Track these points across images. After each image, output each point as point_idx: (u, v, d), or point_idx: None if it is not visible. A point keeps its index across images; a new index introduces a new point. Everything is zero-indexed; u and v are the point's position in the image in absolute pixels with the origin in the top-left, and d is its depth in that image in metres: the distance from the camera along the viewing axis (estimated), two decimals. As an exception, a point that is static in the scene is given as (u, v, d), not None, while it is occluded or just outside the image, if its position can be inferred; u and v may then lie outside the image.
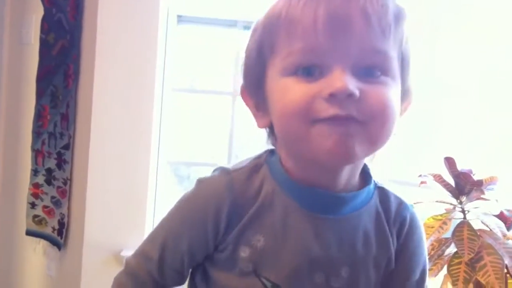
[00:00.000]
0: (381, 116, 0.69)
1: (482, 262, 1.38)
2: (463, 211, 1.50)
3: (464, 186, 1.49)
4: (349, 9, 0.68)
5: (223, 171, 0.80)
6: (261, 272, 0.76)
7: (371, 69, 0.70)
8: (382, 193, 0.81)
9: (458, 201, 1.51)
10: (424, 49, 1.96)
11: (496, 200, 1.46)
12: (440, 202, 1.53)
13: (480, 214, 1.46)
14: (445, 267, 1.44)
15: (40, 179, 2.29)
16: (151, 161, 2.16)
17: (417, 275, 0.82)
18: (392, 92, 0.70)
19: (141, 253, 0.85)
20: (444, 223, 1.44)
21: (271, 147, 0.83)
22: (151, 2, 2.10)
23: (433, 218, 1.47)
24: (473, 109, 1.81)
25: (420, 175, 1.55)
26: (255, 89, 0.78)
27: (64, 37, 2.17)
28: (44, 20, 2.24)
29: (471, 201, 1.48)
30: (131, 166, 2.14)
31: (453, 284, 1.41)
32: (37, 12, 2.27)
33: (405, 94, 0.75)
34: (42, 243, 2.32)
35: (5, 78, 2.52)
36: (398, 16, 0.71)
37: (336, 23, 0.68)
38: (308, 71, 0.70)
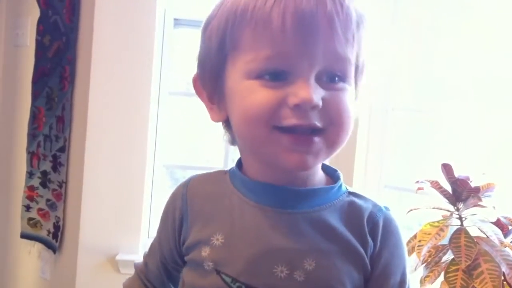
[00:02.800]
0: (339, 122, 0.73)
1: (479, 270, 1.38)
2: (460, 218, 1.50)
3: (461, 192, 1.48)
4: (317, 15, 0.69)
5: (191, 176, 0.88)
6: (221, 269, 0.78)
7: (333, 75, 0.73)
8: (353, 196, 0.82)
9: (455, 207, 1.51)
10: (423, 52, 1.96)
11: (493, 207, 1.46)
12: (437, 208, 1.52)
13: (477, 221, 1.46)
14: (442, 274, 1.44)
15: (35, 181, 2.28)
16: (147, 164, 2.15)
17: (397, 278, 0.81)
18: (349, 97, 0.74)
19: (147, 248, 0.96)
20: (441, 229, 1.43)
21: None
22: (148, 5, 2.09)
23: (430, 225, 1.46)
24: (472, 114, 1.81)
25: (417, 181, 1.54)
26: (210, 82, 0.79)
27: (60, 39, 2.16)
28: (40, 22, 2.23)
29: (468, 208, 1.48)
30: (127, 169, 2.13)
31: (450, 291, 1.41)
32: (33, 14, 2.26)
33: (356, 98, 0.79)
34: (37, 246, 2.31)
35: (0, 80, 2.51)
36: (359, 23, 0.73)
37: (304, 30, 0.69)
38: (274, 76, 0.71)
